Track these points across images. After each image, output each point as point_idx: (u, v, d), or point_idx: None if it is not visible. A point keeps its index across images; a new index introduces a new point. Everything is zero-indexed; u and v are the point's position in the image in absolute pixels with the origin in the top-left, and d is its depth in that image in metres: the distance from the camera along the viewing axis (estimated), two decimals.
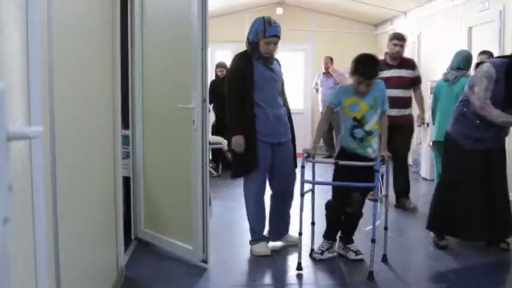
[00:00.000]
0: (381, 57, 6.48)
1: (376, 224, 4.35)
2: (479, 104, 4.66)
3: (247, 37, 4.69)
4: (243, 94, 4.63)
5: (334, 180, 4.57)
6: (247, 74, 4.63)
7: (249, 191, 4.81)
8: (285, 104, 4.92)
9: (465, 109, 4.87)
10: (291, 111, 5.01)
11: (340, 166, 4.43)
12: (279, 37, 4.63)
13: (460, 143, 4.86)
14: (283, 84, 4.93)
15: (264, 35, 4.58)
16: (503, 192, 4.89)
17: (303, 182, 4.32)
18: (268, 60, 4.70)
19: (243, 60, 4.69)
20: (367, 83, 4.30)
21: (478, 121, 4.75)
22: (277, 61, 4.89)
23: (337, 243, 4.80)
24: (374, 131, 4.41)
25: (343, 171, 4.44)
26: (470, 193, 4.82)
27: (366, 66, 4.33)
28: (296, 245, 4.68)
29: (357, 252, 4.68)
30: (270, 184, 4.93)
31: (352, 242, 4.75)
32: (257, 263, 4.69)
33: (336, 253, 4.77)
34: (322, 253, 4.70)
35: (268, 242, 4.89)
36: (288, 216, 4.99)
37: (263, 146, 4.68)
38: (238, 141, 4.66)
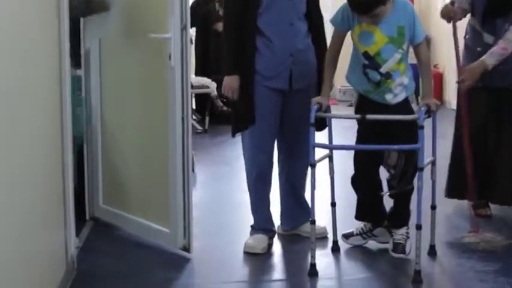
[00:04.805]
0: None
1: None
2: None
3: None
4: (244, 16, 4.54)
5: (357, 143, 4.53)
6: None
7: (247, 156, 4.73)
8: (317, 33, 4.75)
9: (467, 36, 5.16)
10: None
11: (364, 123, 4.37)
12: None
13: None
14: (313, 1, 4.75)
15: None
16: None
17: (313, 146, 4.23)
18: None
19: None
20: (370, 15, 4.16)
21: (479, 48, 4.92)
22: None
23: (378, 232, 4.67)
24: (394, 73, 4.29)
25: (369, 131, 4.39)
26: (481, 145, 5.06)
27: None
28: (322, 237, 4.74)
29: (396, 247, 4.46)
30: (277, 149, 4.88)
31: (401, 225, 4.52)
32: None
33: (367, 240, 4.70)
34: (348, 237, 4.68)
35: (270, 237, 4.77)
36: (301, 199, 4.91)
37: (265, 93, 4.58)
38: (231, 83, 4.58)
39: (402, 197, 4.51)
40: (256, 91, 4.58)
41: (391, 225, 4.58)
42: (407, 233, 4.51)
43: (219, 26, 9.59)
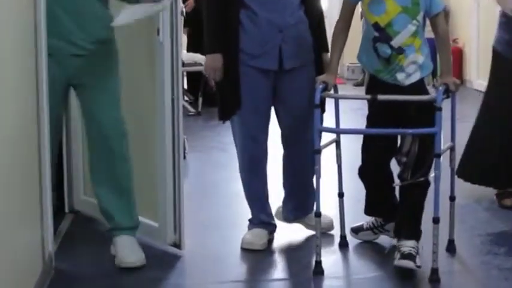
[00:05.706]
0: None
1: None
2: None
3: None
4: None
5: (368, 127, 4.51)
6: None
7: (238, 145, 4.75)
8: (311, 4, 4.73)
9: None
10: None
11: (375, 105, 4.36)
12: None
13: (505, 56, 5.11)
14: None
15: None
16: None
17: (319, 130, 4.22)
18: None
19: None
20: None
21: None
22: None
23: (390, 226, 4.62)
24: (408, 49, 4.25)
25: (380, 114, 4.37)
26: None
27: None
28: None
29: (406, 256, 4.18)
30: (280, 134, 4.88)
31: (410, 236, 4.26)
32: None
33: (378, 235, 4.70)
34: (357, 232, 4.69)
35: (270, 232, 4.78)
36: (307, 188, 4.89)
37: (251, 74, 4.56)
38: (212, 62, 4.58)
39: (414, 197, 4.34)
40: (242, 72, 4.56)
41: (397, 236, 4.34)
42: (417, 246, 4.26)
43: (189, 3, 9.64)
